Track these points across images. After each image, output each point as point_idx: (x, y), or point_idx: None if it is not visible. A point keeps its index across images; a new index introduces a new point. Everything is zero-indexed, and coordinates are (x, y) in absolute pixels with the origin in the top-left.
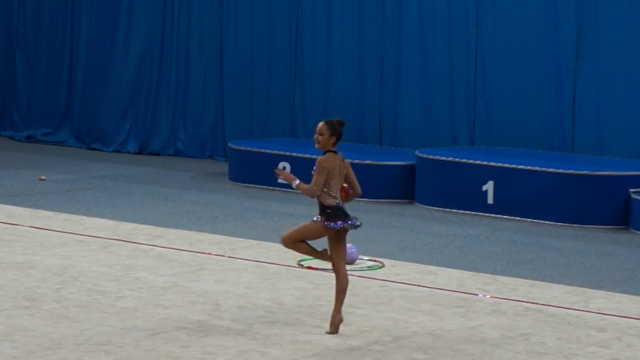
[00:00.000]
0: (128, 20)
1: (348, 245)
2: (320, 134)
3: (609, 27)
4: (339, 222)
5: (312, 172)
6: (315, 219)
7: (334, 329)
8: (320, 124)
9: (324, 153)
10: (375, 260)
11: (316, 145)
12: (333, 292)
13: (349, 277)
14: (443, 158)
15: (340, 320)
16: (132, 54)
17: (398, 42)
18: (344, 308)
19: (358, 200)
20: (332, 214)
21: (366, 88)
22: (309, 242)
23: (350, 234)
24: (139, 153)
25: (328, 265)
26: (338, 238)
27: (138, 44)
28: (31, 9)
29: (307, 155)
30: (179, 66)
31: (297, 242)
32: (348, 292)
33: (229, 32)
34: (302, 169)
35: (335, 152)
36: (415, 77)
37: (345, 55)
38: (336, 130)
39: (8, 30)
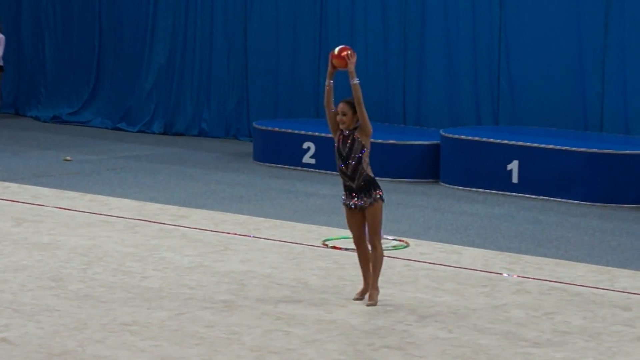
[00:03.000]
0: (154, 1)
1: None
2: (344, 114)
3: (637, 4)
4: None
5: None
6: (367, 200)
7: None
8: (341, 104)
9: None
10: (399, 240)
11: (342, 127)
12: (357, 271)
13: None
14: (468, 137)
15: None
16: (157, 35)
17: (422, 21)
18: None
19: (382, 180)
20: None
21: (390, 68)
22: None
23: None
24: (163, 133)
25: (352, 245)
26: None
27: (163, 25)
28: None
29: (331, 135)
30: (203, 46)
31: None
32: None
33: (253, 10)
34: (327, 149)
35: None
36: (439, 56)
37: (369, 35)
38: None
39: (36, 12)
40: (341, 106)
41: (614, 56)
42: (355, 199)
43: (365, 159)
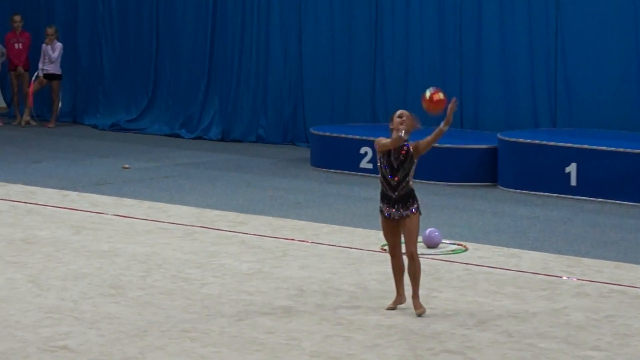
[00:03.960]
0: (213, 7)
1: (431, 229)
2: (400, 117)
3: None
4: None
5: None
6: (404, 212)
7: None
8: (401, 111)
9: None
10: (458, 244)
11: (400, 127)
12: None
13: (433, 261)
14: (525, 140)
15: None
16: (215, 42)
17: (478, 24)
18: (427, 292)
19: (439, 184)
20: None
21: (446, 71)
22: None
23: (434, 218)
24: (221, 140)
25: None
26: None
27: (221, 32)
28: None
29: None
30: (259, 52)
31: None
32: (430, 277)
33: (307, 16)
34: None
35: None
36: (496, 59)
37: (425, 39)
38: (417, 121)
39: (93, 20)
40: (403, 113)
41: None
42: (393, 209)
43: (412, 173)
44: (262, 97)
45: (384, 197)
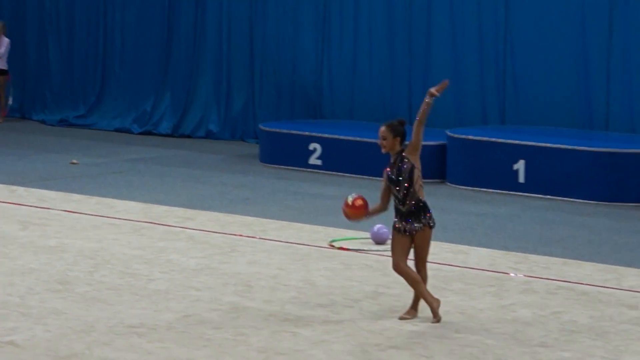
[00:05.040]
0: (168, 3)
1: (379, 225)
2: (384, 139)
3: None
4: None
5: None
6: (417, 225)
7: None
8: (382, 128)
9: (393, 155)
10: None
11: (382, 150)
12: (363, 272)
13: (380, 257)
14: (474, 137)
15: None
16: (170, 37)
17: (427, 21)
18: (374, 289)
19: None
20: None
21: (395, 68)
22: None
23: (382, 215)
24: (170, 135)
25: (359, 245)
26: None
27: (175, 27)
28: None
29: (337, 136)
30: (213, 48)
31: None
32: (379, 273)
33: (258, 14)
34: (333, 151)
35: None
36: (445, 56)
37: (373, 35)
38: (399, 131)
39: (41, 15)
40: (382, 130)
41: (619, 55)
42: (405, 222)
43: (418, 181)
44: (214, 93)
45: (397, 212)
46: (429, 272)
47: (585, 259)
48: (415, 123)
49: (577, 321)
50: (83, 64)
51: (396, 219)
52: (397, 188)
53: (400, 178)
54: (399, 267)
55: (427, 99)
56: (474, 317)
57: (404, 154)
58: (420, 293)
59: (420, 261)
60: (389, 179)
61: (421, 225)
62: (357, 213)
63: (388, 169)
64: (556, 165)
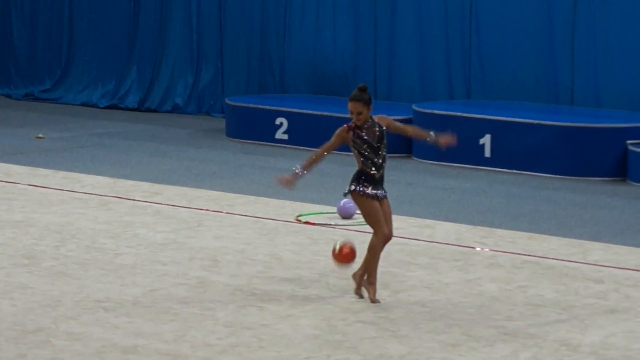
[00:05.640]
0: None
1: (345, 200)
2: (360, 113)
3: None
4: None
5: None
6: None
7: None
8: (354, 104)
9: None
10: None
11: (358, 123)
12: (330, 246)
13: (347, 232)
14: (440, 112)
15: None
16: (132, 9)
17: None
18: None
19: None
20: None
21: (360, 42)
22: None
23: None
24: (136, 109)
25: (326, 220)
26: None
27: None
28: None
29: (304, 111)
30: (180, 22)
31: None
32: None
33: None
34: (299, 125)
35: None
36: (411, 30)
37: (337, 8)
38: (368, 99)
39: None
40: (355, 107)
41: (583, 29)
42: (379, 188)
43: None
44: (180, 67)
45: (368, 179)
46: (395, 247)
47: (551, 233)
48: (404, 128)
49: (543, 295)
50: (48, 38)
51: (364, 186)
52: (378, 153)
53: (379, 144)
54: (391, 235)
55: (430, 138)
56: (440, 291)
57: (376, 119)
58: (374, 269)
59: (391, 225)
60: (366, 143)
61: (384, 191)
62: (344, 259)
63: (363, 133)
64: (522, 140)
